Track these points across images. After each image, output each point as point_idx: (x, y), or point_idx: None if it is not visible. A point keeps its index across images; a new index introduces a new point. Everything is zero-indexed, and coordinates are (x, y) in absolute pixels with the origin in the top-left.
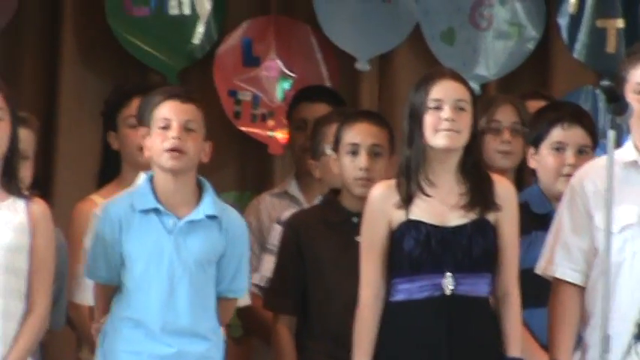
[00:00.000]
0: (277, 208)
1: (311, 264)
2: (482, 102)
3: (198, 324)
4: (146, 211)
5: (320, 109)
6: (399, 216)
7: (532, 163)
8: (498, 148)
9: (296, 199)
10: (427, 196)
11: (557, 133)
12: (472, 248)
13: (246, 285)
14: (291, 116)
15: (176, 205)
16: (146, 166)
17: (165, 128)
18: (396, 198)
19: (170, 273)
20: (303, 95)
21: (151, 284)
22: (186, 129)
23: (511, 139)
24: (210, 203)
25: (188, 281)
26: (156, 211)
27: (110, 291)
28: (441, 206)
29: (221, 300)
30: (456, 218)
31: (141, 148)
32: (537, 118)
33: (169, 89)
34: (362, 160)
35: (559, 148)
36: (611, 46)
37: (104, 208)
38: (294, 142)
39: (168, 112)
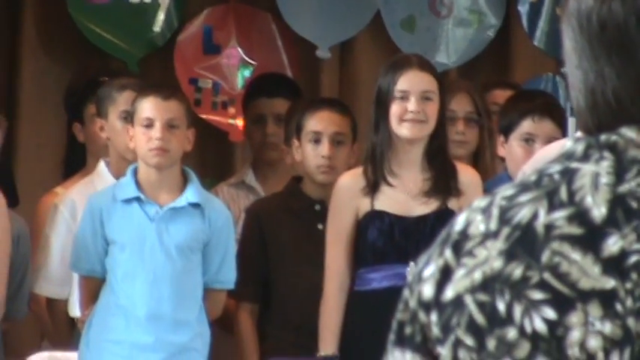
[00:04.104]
0: (235, 199)
1: (273, 251)
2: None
3: (182, 312)
4: (128, 201)
5: (278, 104)
6: (365, 205)
7: (501, 152)
8: (453, 138)
9: (253, 189)
10: (391, 186)
11: (527, 125)
12: (435, 238)
13: (234, 275)
14: (247, 107)
15: (159, 194)
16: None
17: (148, 127)
18: (363, 185)
19: (153, 260)
20: (261, 89)
21: (135, 272)
22: (169, 127)
23: (465, 130)
24: (193, 192)
25: (171, 268)
26: (138, 199)
27: (94, 283)
28: (405, 196)
29: (209, 291)
30: (419, 207)
31: (106, 145)
32: (508, 108)
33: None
34: (324, 148)
35: (528, 139)
36: None
37: (88, 200)
38: (252, 134)
39: (151, 111)
